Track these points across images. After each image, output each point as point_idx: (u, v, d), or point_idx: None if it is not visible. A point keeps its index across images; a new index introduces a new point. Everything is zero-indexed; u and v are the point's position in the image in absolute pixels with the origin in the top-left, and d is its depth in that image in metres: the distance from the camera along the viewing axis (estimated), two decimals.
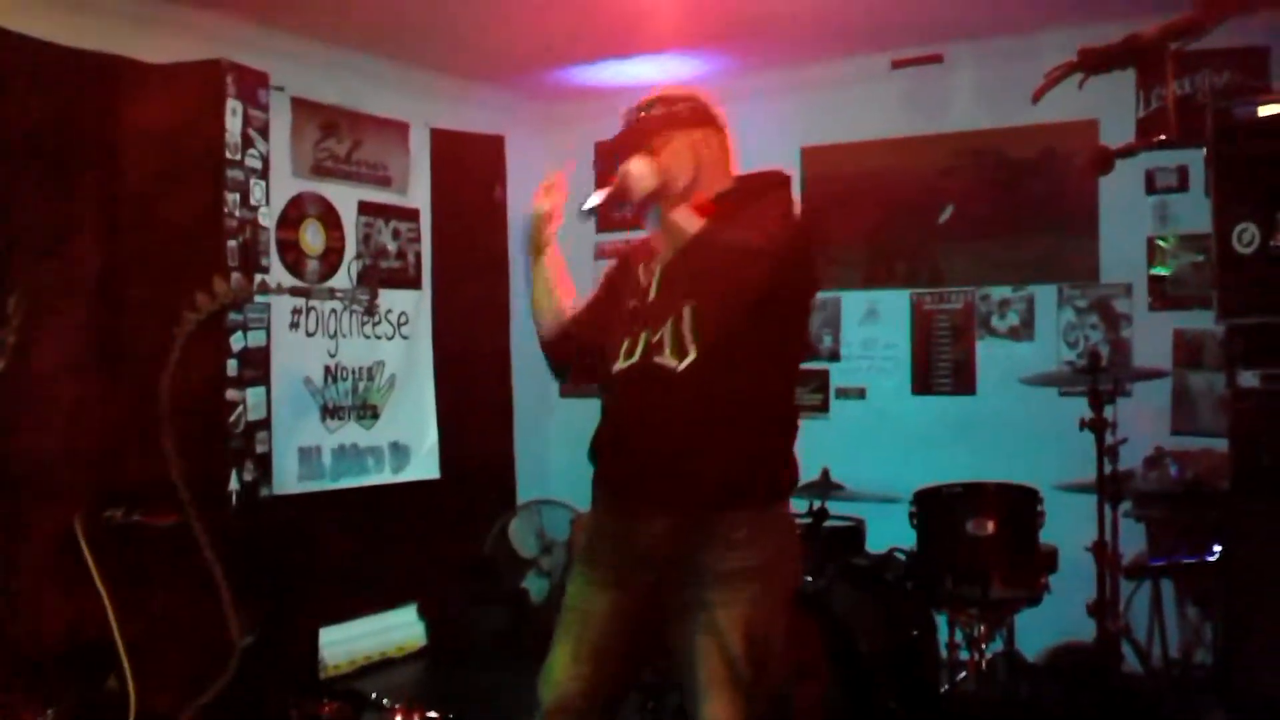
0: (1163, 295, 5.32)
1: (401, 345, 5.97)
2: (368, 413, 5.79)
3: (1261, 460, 3.88)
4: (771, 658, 2.55)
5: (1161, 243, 5.33)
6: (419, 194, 6.06)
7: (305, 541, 5.02)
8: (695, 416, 2.55)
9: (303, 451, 5.44)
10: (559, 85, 6.37)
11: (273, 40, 5.20)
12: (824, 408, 6.16)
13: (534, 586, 6.11)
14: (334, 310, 5.58)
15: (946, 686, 4.51)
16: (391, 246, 5.92)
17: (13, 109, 4.21)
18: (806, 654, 4.04)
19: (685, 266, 2.56)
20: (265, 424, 4.67)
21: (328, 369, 5.58)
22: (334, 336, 5.61)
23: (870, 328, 6.08)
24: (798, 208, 2.76)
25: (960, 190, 5.80)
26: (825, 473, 4.76)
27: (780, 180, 2.84)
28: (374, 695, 4.59)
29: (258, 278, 4.62)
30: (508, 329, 6.37)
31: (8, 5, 4.24)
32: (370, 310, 5.74)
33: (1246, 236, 3.90)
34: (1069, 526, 4.51)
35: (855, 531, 4.87)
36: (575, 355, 2.90)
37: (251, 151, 4.59)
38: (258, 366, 4.65)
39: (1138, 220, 5.35)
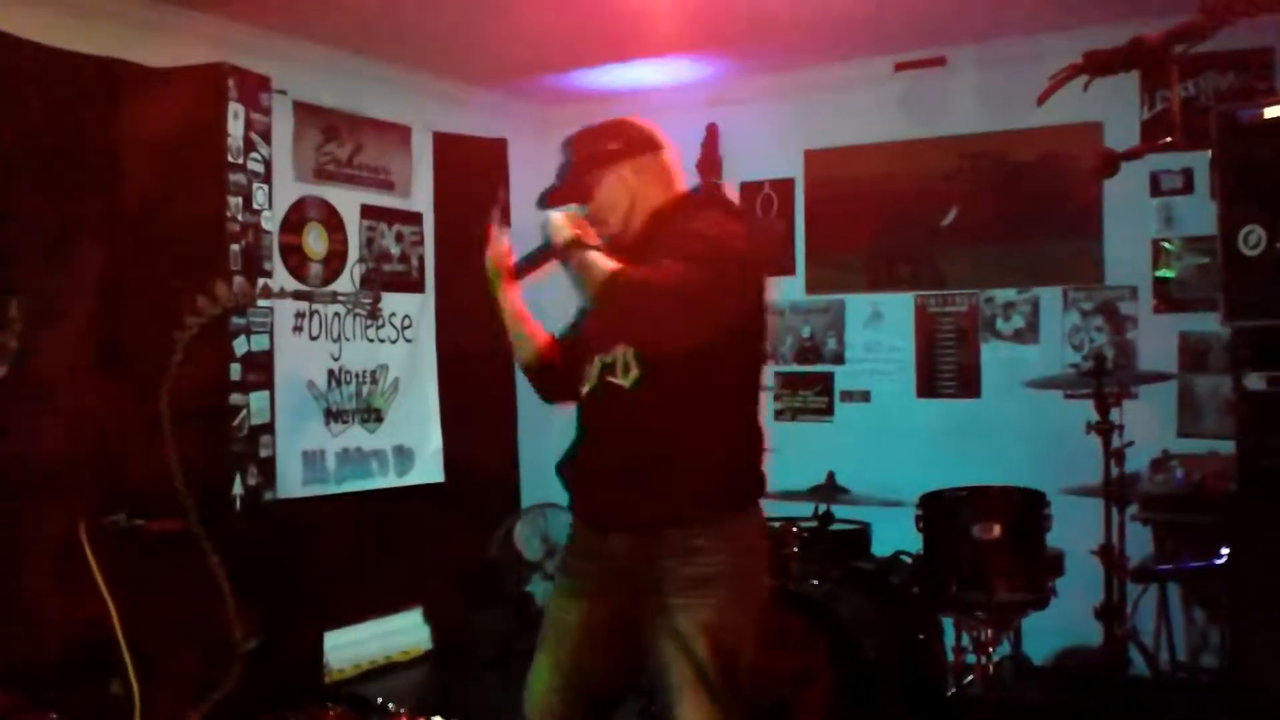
0: (1168, 298, 5.31)
1: (405, 349, 5.96)
2: (371, 416, 5.79)
3: (1268, 463, 3.86)
4: (741, 661, 2.58)
5: (1166, 245, 5.32)
6: (421, 197, 6.06)
7: (309, 545, 5.02)
8: (649, 435, 2.58)
9: (306, 455, 5.44)
10: (561, 89, 6.37)
11: (275, 44, 5.20)
12: (828, 411, 6.16)
13: (538, 590, 6.10)
14: (337, 314, 5.58)
15: (952, 690, 4.50)
16: (394, 250, 5.92)
17: (15, 112, 4.20)
18: (810, 659, 4.03)
19: (604, 313, 2.57)
20: (269, 428, 4.66)
21: (331, 373, 5.58)
22: (337, 340, 5.61)
23: (874, 331, 6.07)
24: (734, 225, 2.68)
25: (964, 193, 5.79)
26: (830, 476, 4.75)
27: (710, 201, 2.82)
28: (379, 700, 4.57)
29: (260, 282, 4.61)
30: None
31: (10, 9, 4.24)
32: (373, 314, 5.74)
33: (1252, 239, 3.88)
34: (1075, 530, 4.49)
35: (860, 535, 4.86)
36: (554, 380, 2.92)
37: (254, 155, 4.58)
38: (261, 370, 4.64)
39: (1142, 223, 5.34)
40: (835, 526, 4.66)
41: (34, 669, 3.95)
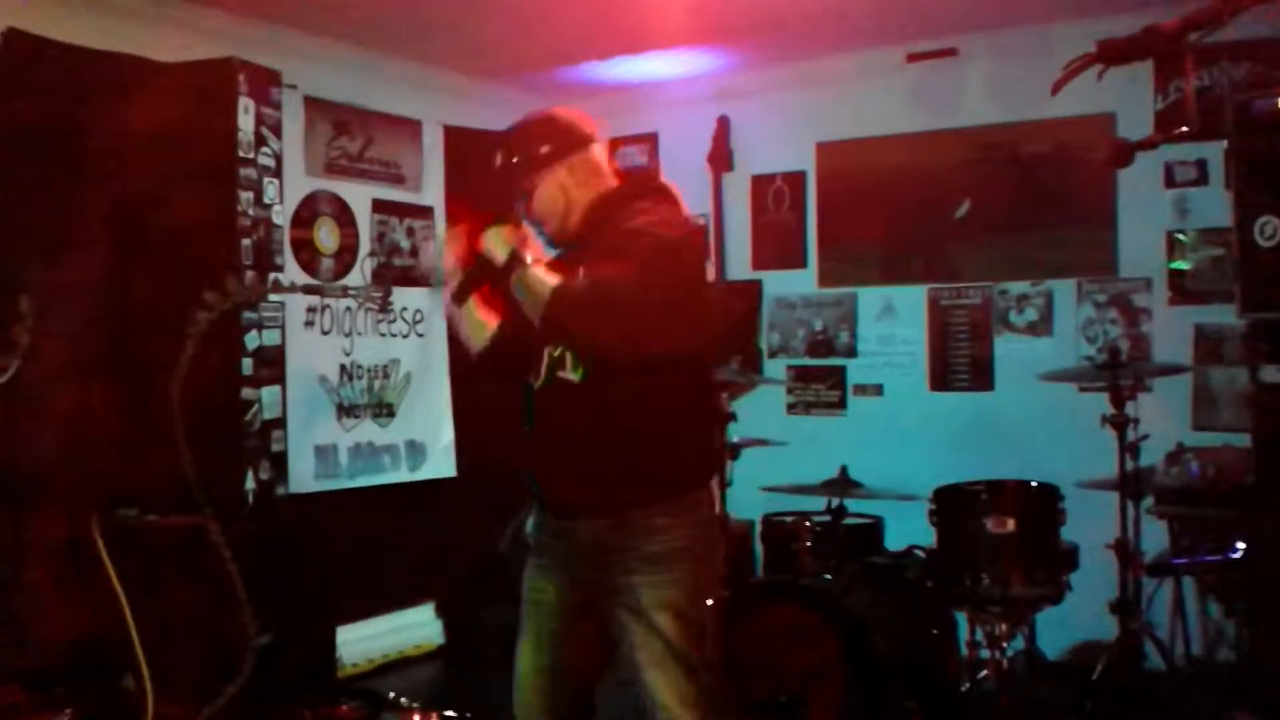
0: (1182, 290, 5.28)
1: (417, 343, 5.96)
2: (383, 411, 5.79)
3: None
4: (705, 632, 2.67)
5: (1180, 237, 5.28)
6: (432, 191, 6.06)
7: (321, 540, 5.02)
8: (603, 422, 2.64)
9: (319, 450, 5.44)
10: (571, 82, 6.35)
11: (285, 39, 5.20)
12: (841, 405, 6.14)
13: None
14: (349, 308, 5.58)
15: (967, 686, 4.48)
16: (405, 244, 5.92)
17: (24, 108, 4.20)
18: (823, 654, 4.02)
19: (550, 330, 2.61)
20: (281, 423, 4.65)
21: (343, 367, 5.58)
22: (349, 335, 5.61)
23: (887, 324, 6.05)
24: (666, 210, 2.73)
25: (976, 186, 5.76)
26: (843, 470, 4.72)
27: (642, 190, 2.84)
28: (391, 695, 4.59)
29: (271, 277, 4.61)
30: None
31: (19, 5, 4.24)
32: (384, 308, 5.74)
33: (1268, 230, 3.84)
34: (1089, 524, 4.47)
35: (873, 529, 4.85)
36: (506, 371, 2.97)
37: (264, 150, 4.58)
38: (273, 365, 4.64)
39: (1156, 214, 5.31)
40: (848, 521, 4.64)
41: (46, 665, 3.96)
